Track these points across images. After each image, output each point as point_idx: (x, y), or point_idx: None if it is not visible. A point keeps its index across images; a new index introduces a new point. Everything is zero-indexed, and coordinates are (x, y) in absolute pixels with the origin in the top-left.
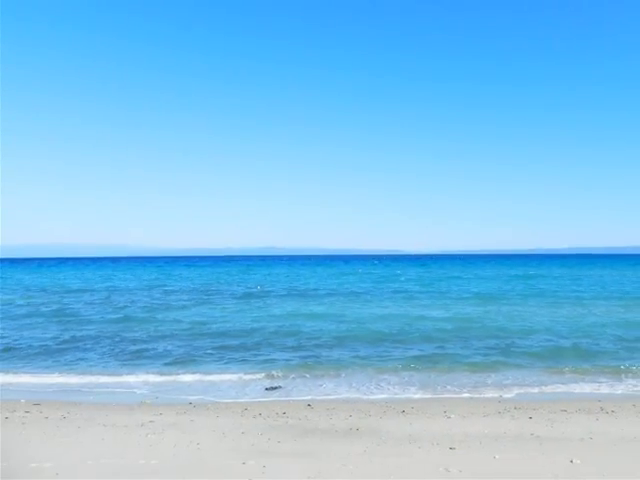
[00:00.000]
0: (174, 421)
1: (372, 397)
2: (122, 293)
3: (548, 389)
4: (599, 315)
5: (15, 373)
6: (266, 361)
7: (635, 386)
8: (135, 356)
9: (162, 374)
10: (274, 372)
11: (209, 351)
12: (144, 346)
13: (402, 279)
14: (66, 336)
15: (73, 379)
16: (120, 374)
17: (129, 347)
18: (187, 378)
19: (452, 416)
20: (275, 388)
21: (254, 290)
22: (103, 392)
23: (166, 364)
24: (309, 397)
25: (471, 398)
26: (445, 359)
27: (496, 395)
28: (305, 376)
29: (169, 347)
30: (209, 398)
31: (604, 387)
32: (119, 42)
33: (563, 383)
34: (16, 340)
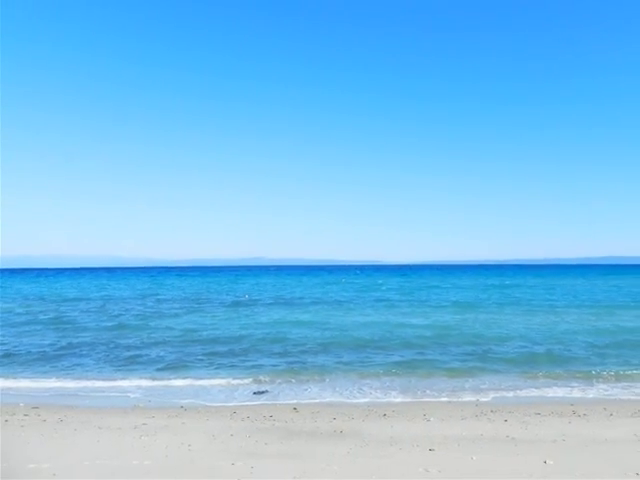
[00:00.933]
0: (166, 424)
1: (355, 401)
2: (116, 302)
3: (523, 393)
4: (571, 323)
5: (14, 378)
6: (254, 367)
7: (606, 390)
8: (129, 362)
9: (154, 379)
10: (261, 377)
11: (199, 357)
12: (137, 352)
13: (383, 288)
14: (63, 343)
15: (70, 384)
16: (114, 379)
17: (123, 353)
18: (178, 383)
19: (431, 419)
20: (262, 392)
21: (242, 299)
22: (98, 396)
23: (158, 369)
24: (295, 401)
25: (449, 402)
26: (424, 365)
27: (473, 399)
28: (291, 381)
29: (161, 353)
30: (199, 402)
31: (576, 391)
32: (117, 63)
33: (537, 387)
34: (15, 346)
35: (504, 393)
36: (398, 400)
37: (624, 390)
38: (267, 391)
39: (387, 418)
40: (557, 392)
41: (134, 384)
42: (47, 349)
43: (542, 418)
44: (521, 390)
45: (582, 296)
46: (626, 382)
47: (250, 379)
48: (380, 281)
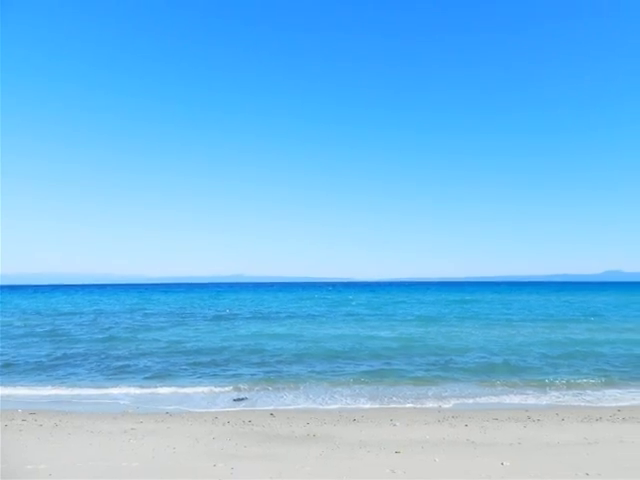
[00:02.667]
0: (153, 428)
1: (327, 407)
2: (107, 316)
3: (482, 400)
4: (526, 335)
5: (13, 386)
6: (234, 375)
7: (558, 397)
8: (119, 371)
9: (142, 387)
10: (241, 385)
11: (184, 367)
12: (127, 362)
13: (353, 303)
14: (58, 353)
15: (64, 391)
16: (106, 387)
17: (114, 363)
18: (164, 391)
19: (397, 424)
20: (242, 399)
21: (223, 313)
22: (91, 403)
23: (146, 378)
24: (272, 407)
25: (414, 408)
26: (391, 374)
27: (436, 405)
28: (268, 389)
29: (148, 363)
30: (184, 408)
31: (531, 398)
32: (113, 96)
33: (495, 395)
34: (14, 357)
35: (464, 400)
36: (367, 406)
37: (575, 397)
38: (246, 398)
39: (357, 423)
40: (513, 399)
41: (123, 392)
42: (43, 359)
43: (499, 423)
44: (480, 397)
45: (536, 311)
46: (576, 390)
47: (230, 387)
48: (350, 297)
